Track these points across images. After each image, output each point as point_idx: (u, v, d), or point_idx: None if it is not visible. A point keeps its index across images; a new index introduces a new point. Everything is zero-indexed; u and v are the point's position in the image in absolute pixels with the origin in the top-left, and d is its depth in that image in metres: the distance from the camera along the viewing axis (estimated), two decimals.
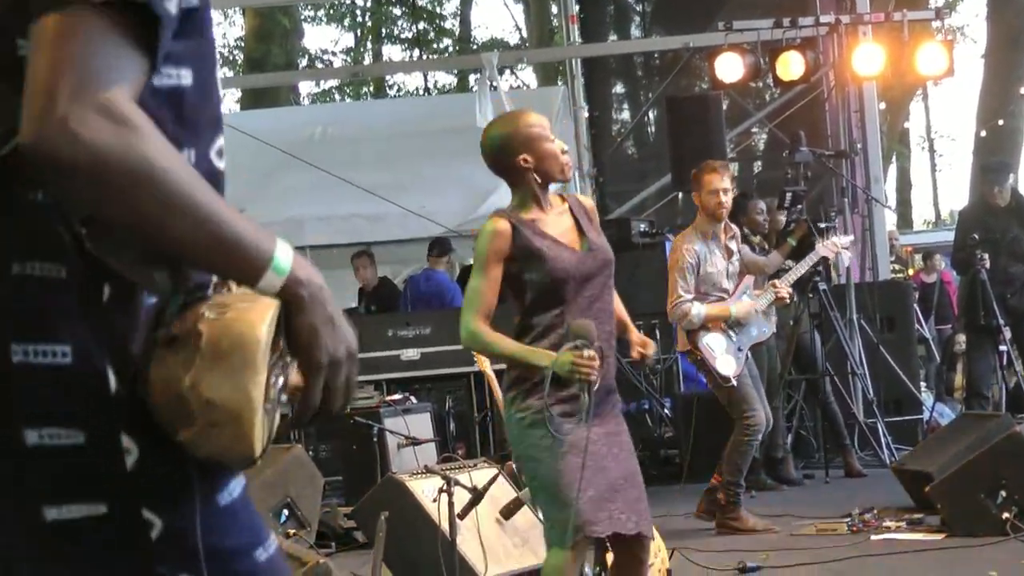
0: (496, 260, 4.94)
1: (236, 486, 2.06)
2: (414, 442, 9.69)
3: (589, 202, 5.27)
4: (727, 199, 8.81)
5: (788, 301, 9.69)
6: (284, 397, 1.94)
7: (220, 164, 2.06)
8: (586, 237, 5.03)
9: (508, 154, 4.98)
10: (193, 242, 1.84)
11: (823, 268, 11.34)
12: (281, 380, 1.92)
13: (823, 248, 9.97)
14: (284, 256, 1.90)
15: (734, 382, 8.61)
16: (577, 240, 5.02)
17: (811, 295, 10.98)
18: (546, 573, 5.00)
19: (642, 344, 5.37)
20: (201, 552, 1.97)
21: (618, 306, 5.27)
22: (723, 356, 8.68)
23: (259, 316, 1.85)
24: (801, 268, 9.98)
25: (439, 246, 13.96)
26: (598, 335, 4.84)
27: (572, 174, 5.13)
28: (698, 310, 8.65)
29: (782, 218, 11.20)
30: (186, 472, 1.95)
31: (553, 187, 5.13)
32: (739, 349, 8.78)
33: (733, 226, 9.17)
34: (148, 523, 1.92)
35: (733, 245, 9.03)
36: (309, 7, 34.90)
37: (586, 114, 16.15)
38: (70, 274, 1.88)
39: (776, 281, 9.46)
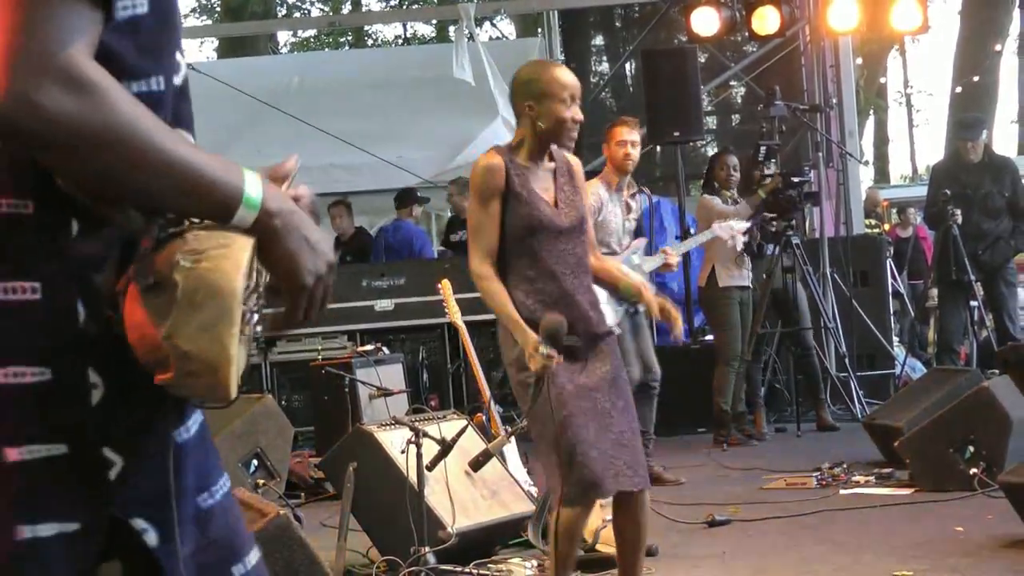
0: (493, 195, 5.05)
1: (194, 423, 2.07)
2: (386, 393, 9.69)
3: (575, 161, 5.32)
4: (634, 152, 8.85)
5: (675, 268, 9.73)
6: (259, 328, 1.96)
7: (178, 79, 2.04)
8: (560, 195, 5.11)
9: (520, 96, 5.13)
10: (162, 191, 1.85)
11: (796, 221, 11.36)
12: (255, 315, 1.93)
13: (719, 228, 9.95)
14: (254, 190, 1.91)
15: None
16: (552, 197, 5.10)
17: (784, 249, 11.00)
18: (560, 531, 5.05)
19: (663, 313, 5.44)
20: (161, 494, 1.97)
21: (613, 266, 5.52)
22: (602, 306, 8.65)
23: (234, 265, 1.86)
24: (694, 241, 10.08)
25: (402, 197, 13.92)
26: (572, 291, 5.03)
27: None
28: None
29: (759, 173, 11.21)
30: (152, 409, 1.95)
31: None
32: (619, 302, 8.77)
33: (638, 189, 9.19)
34: (108, 461, 1.91)
35: (633, 203, 9.04)
36: None
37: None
38: (37, 209, 1.87)
39: (667, 247, 9.49)
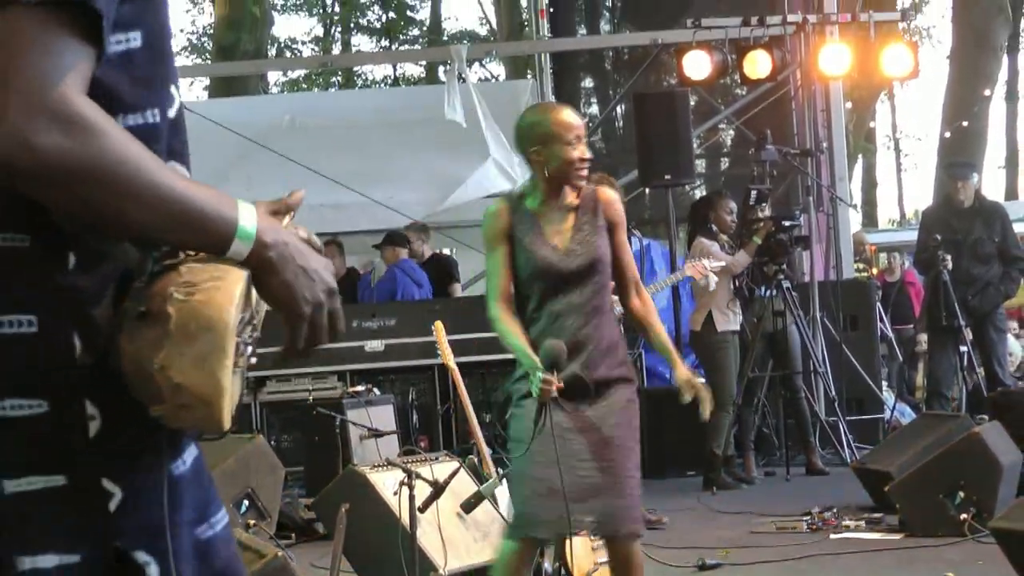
0: (499, 239, 5.09)
1: (189, 455, 2.07)
2: (376, 434, 9.68)
3: (607, 195, 5.26)
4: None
5: (705, 304, 9.78)
6: (253, 359, 1.97)
7: (172, 112, 2.06)
8: (576, 235, 5.10)
9: (525, 142, 5.14)
10: (156, 225, 1.86)
11: (787, 266, 11.39)
12: (250, 347, 1.95)
13: (690, 268, 9.98)
14: (248, 222, 1.92)
15: None
16: (570, 237, 5.10)
17: (775, 293, 11.02)
18: (496, 562, 5.10)
19: (688, 385, 5.34)
20: (160, 526, 1.97)
21: (661, 333, 5.39)
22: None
23: (227, 298, 1.86)
24: (667, 283, 10.10)
25: (388, 241, 13.88)
26: (576, 334, 5.02)
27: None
28: None
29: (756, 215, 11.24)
30: (149, 440, 1.95)
31: None
32: None
33: (632, 231, 9.22)
34: (107, 493, 1.92)
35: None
36: None
37: None
38: (35, 242, 1.88)
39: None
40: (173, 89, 2.06)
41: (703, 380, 8.95)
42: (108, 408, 1.91)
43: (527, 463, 4.98)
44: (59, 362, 1.88)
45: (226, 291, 1.87)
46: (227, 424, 1.90)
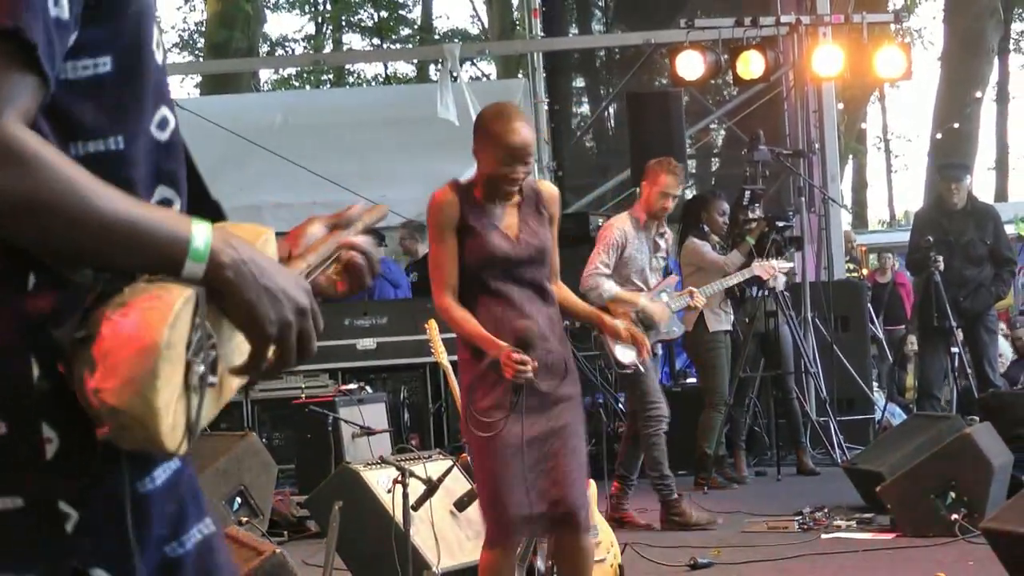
0: (447, 229, 5.05)
1: (161, 473, 2.04)
2: (368, 432, 9.69)
3: (548, 190, 5.27)
4: (672, 204, 8.91)
5: (699, 309, 9.80)
6: (212, 379, 1.92)
7: (164, 136, 2.04)
8: (523, 228, 5.10)
9: (474, 137, 5.09)
10: (102, 251, 1.84)
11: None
12: (203, 365, 1.89)
13: (758, 267, 10.02)
14: (201, 241, 1.88)
15: (638, 369, 8.64)
16: (516, 229, 5.09)
17: (767, 293, 11.05)
18: (481, 570, 5.10)
19: (632, 337, 5.46)
20: (119, 546, 1.95)
21: (579, 302, 5.47)
22: (623, 344, 8.71)
23: (160, 317, 1.82)
24: (730, 281, 10.07)
25: (379, 238, 13.91)
26: (539, 318, 5.03)
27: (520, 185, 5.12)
28: (609, 286, 8.64)
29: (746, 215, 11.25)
30: (106, 461, 1.93)
31: None
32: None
33: (667, 228, 9.22)
34: (64, 515, 1.90)
35: (662, 242, 9.09)
36: None
37: (546, 107, 16.15)
38: None
39: (693, 288, 9.51)
40: (165, 111, 2.05)
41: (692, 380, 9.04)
42: (66, 430, 1.88)
43: (498, 463, 4.99)
44: (15, 384, 1.85)
45: (160, 311, 1.82)
46: (171, 446, 1.85)
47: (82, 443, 1.90)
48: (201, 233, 1.89)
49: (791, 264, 10.21)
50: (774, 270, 10.08)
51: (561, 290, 5.35)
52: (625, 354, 8.64)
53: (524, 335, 4.85)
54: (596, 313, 5.66)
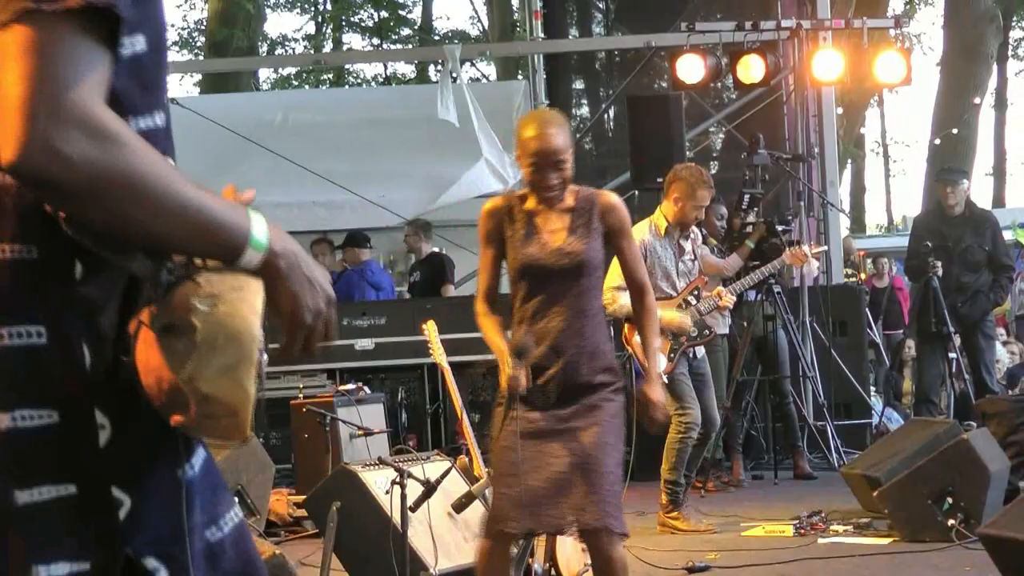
0: (489, 238, 5.14)
1: (198, 459, 2.08)
2: (366, 433, 9.68)
3: (606, 200, 5.23)
4: (702, 215, 9.00)
5: (730, 309, 9.81)
6: (266, 366, 1.98)
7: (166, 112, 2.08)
8: (571, 236, 5.10)
9: (516, 146, 5.14)
10: (174, 234, 1.87)
11: (782, 268, 11.42)
12: (264, 352, 1.95)
13: (789, 255, 10.03)
14: (260, 232, 1.95)
15: (664, 379, 8.66)
16: (563, 238, 5.11)
17: (765, 297, 11.05)
18: (475, 558, 5.16)
19: (645, 401, 5.34)
20: (169, 532, 1.98)
21: (650, 343, 5.39)
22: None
23: (251, 308, 1.89)
24: (762, 273, 10.06)
25: (357, 239, 13.85)
26: (559, 335, 5.03)
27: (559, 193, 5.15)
28: (626, 300, 8.63)
29: (739, 220, 11.26)
30: (158, 447, 1.97)
31: None
32: (672, 348, 8.82)
33: (694, 229, 9.21)
34: (118, 502, 1.93)
35: (687, 244, 9.08)
36: None
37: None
38: (42, 253, 1.89)
39: (721, 289, 9.52)
40: (165, 91, 2.09)
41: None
42: (117, 417, 1.92)
43: (496, 460, 5.07)
44: (69, 372, 1.89)
45: (249, 301, 1.90)
46: (249, 431, 1.93)
47: (134, 430, 1.94)
48: (259, 222, 1.96)
49: (824, 247, 10.19)
50: (806, 256, 10.07)
51: (645, 311, 5.39)
52: (660, 361, 8.67)
53: (518, 347, 4.92)
54: (647, 366, 5.44)
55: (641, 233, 8.83)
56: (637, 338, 8.53)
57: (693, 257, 9.20)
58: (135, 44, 1.93)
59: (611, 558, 5.02)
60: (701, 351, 9.11)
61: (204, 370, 1.85)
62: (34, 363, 1.88)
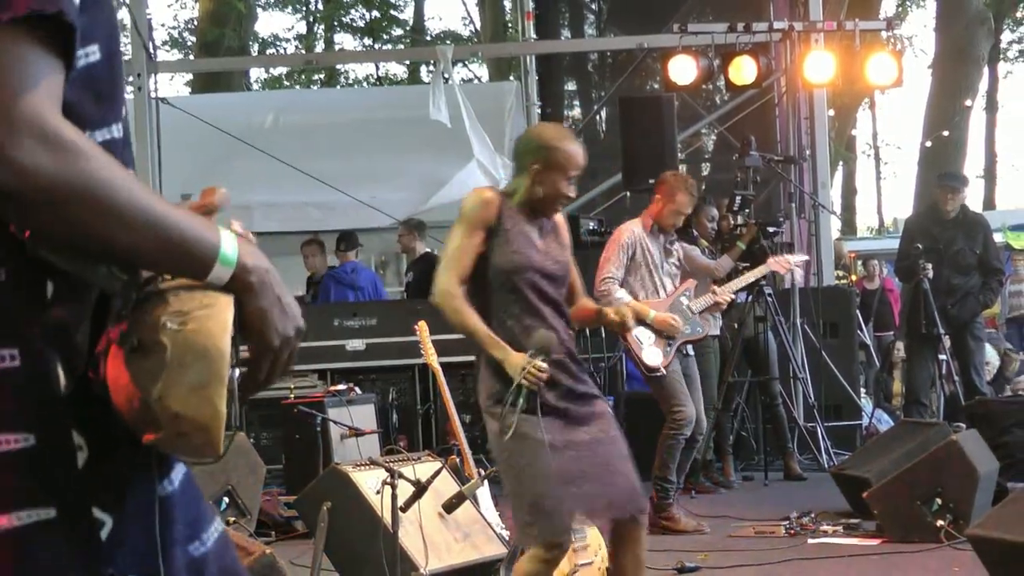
0: (480, 227, 5.11)
1: (177, 475, 2.05)
2: (357, 433, 9.69)
3: (560, 220, 5.38)
4: (681, 222, 9.09)
5: (725, 307, 9.85)
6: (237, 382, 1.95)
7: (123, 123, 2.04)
8: (550, 244, 5.22)
9: (530, 153, 5.19)
10: (140, 249, 1.83)
11: (769, 273, 11.44)
12: (236, 370, 1.92)
13: (774, 263, 10.06)
14: (229, 247, 1.90)
15: (661, 372, 8.69)
16: (549, 246, 5.22)
17: (757, 299, 11.07)
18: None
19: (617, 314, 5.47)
20: (150, 550, 1.96)
21: (584, 298, 5.50)
22: (650, 348, 8.75)
23: (220, 326, 1.86)
24: (748, 278, 10.08)
25: (349, 239, 13.85)
26: (561, 331, 5.12)
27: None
28: (621, 295, 8.67)
29: (731, 221, 11.27)
30: (136, 466, 1.94)
31: None
32: (668, 344, 8.84)
33: (674, 235, 9.27)
34: (99, 522, 1.90)
35: (673, 249, 9.15)
36: None
37: (538, 110, 16.16)
38: (10, 275, 1.84)
39: (716, 287, 9.56)
40: (122, 102, 2.04)
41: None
42: (94, 437, 1.89)
43: (537, 474, 4.99)
44: (44, 394, 1.85)
45: (218, 319, 1.86)
46: (222, 449, 1.89)
47: (111, 449, 1.90)
48: (228, 238, 1.91)
49: (805, 257, 10.24)
50: (789, 264, 10.11)
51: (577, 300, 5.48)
52: (652, 357, 8.69)
53: (544, 342, 4.92)
54: (593, 309, 5.59)
55: (630, 228, 8.87)
56: (633, 335, 8.57)
57: (678, 264, 9.26)
58: (88, 55, 1.89)
59: (641, 539, 5.35)
60: (692, 351, 9.14)
61: (173, 388, 1.83)
62: (7, 386, 1.83)
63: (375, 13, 38.25)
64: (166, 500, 2.01)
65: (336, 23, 39.30)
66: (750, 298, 11.09)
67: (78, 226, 1.78)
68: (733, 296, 9.78)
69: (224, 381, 1.85)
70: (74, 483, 1.87)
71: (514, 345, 4.99)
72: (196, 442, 1.87)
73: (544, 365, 4.89)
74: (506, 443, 4.95)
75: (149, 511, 1.97)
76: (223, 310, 1.88)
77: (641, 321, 8.64)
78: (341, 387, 10.73)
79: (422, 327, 7.69)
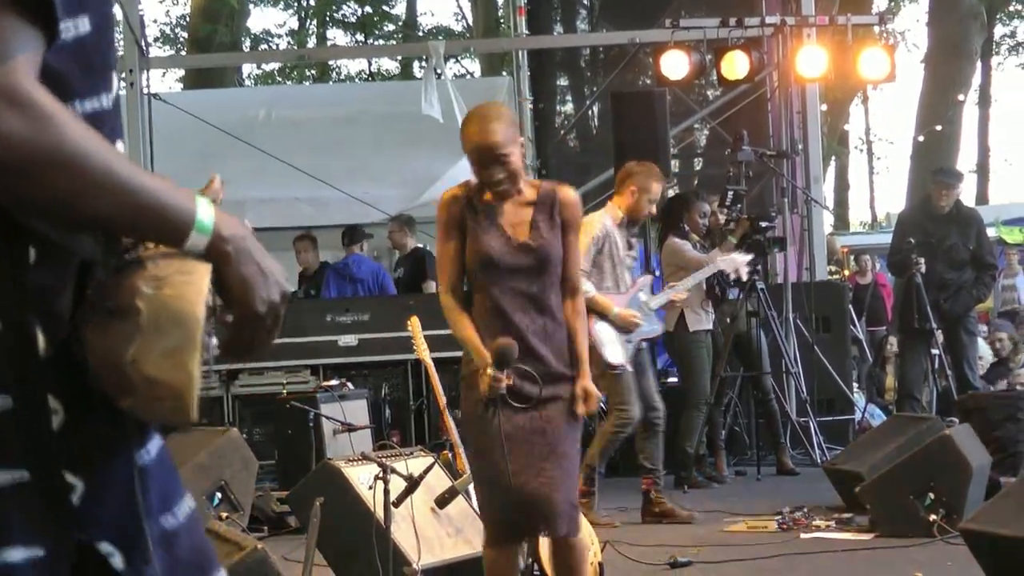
0: (451, 227, 5.08)
1: (154, 446, 2.06)
2: (350, 428, 9.69)
3: (566, 195, 5.22)
4: (654, 209, 9.04)
5: (679, 304, 9.90)
6: (216, 351, 1.96)
7: (114, 95, 2.03)
8: (534, 231, 5.08)
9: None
10: (115, 216, 1.84)
11: (760, 267, 11.44)
12: (212, 337, 1.93)
13: (722, 261, 10.05)
14: (206, 215, 1.90)
15: (622, 369, 8.72)
16: (525, 232, 5.08)
17: (749, 294, 11.07)
18: (485, 571, 5.14)
19: (584, 396, 5.20)
20: (125, 518, 1.96)
21: (580, 344, 5.24)
22: (612, 344, 8.77)
23: (196, 291, 1.86)
24: (699, 276, 10.08)
25: (352, 234, 13.86)
26: (528, 326, 5.05)
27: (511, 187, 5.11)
28: (588, 287, 8.65)
29: (723, 216, 11.27)
30: (113, 432, 1.95)
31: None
32: (627, 340, 8.87)
33: (636, 228, 9.33)
34: (70, 486, 1.90)
35: (634, 241, 9.22)
36: None
37: (531, 106, 16.15)
38: None
39: (673, 283, 9.61)
40: (113, 73, 2.03)
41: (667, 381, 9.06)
42: (71, 401, 1.90)
43: (487, 465, 5.03)
44: (23, 357, 1.85)
45: (195, 284, 1.87)
46: (195, 415, 1.89)
47: (88, 414, 1.91)
48: (205, 206, 1.91)
49: (749, 256, 10.23)
50: (736, 264, 10.09)
51: (575, 311, 5.24)
52: (615, 355, 8.70)
53: (501, 351, 4.83)
54: (581, 363, 5.26)
55: (601, 220, 8.85)
56: (594, 329, 8.48)
57: (635, 256, 9.30)
58: (78, 26, 1.88)
59: (576, 559, 5.25)
60: (644, 344, 9.21)
61: (148, 353, 1.84)
62: None
63: (367, 9, 38.22)
64: (143, 471, 2.01)
65: (328, 19, 39.27)
66: (742, 294, 11.09)
67: (52, 192, 1.77)
68: (688, 293, 9.81)
69: (198, 347, 1.85)
70: (47, 446, 1.88)
71: (487, 346, 4.96)
72: (169, 406, 1.88)
73: (501, 376, 4.83)
74: (468, 455, 5.01)
75: (127, 480, 1.96)
76: (201, 277, 1.88)
77: (603, 317, 8.68)
78: (334, 382, 10.73)
79: (414, 322, 7.68)
